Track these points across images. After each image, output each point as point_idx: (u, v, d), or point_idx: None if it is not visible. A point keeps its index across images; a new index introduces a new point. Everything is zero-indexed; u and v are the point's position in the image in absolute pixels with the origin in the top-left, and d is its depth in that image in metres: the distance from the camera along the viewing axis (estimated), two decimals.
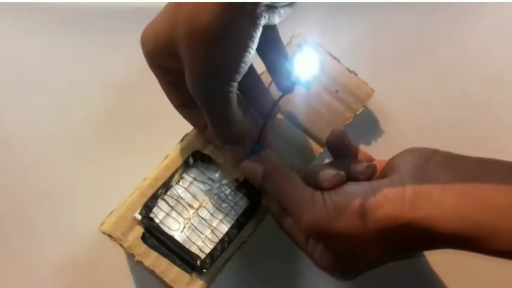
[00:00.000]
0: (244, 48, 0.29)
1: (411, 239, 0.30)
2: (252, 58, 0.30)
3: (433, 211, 0.28)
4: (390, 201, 0.29)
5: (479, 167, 0.30)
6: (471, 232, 0.28)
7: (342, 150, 0.37)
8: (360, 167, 0.34)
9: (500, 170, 0.29)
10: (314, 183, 0.33)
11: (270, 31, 0.36)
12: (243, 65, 0.29)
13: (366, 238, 0.30)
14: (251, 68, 0.37)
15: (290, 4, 0.30)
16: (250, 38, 0.28)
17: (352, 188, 0.31)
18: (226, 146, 0.35)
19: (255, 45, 0.29)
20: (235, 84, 0.30)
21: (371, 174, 0.34)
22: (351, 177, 0.33)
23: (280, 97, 0.35)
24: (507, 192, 0.28)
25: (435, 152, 0.32)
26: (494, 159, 0.30)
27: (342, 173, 0.33)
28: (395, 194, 0.29)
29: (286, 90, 0.35)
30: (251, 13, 0.28)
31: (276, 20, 0.31)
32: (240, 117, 0.32)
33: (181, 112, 0.36)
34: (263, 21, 0.29)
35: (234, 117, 0.32)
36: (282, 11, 0.30)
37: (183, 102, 0.36)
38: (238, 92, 0.36)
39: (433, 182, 0.29)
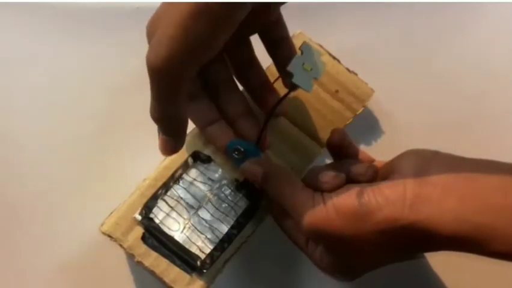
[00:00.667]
0: (214, 32, 0.26)
1: (412, 241, 0.30)
2: (217, 48, 0.28)
3: (433, 213, 0.28)
4: (391, 203, 0.29)
5: (479, 169, 0.30)
6: (471, 234, 0.28)
7: (342, 151, 0.37)
8: (360, 168, 0.34)
9: (500, 172, 0.29)
10: (314, 185, 0.33)
11: (279, 30, 0.36)
12: (207, 49, 0.27)
13: (366, 240, 0.30)
14: (258, 67, 0.38)
15: None
16: (222, 24, 0.26)
17: (352, 189, 0.31)
18: (159, 133, 0.32)
19: (225, 34, 0.27)
20: (195, 68, 0.28)
21: (372, 175, 0.34)
22: (351, 179, 0.33)
23: (284, 96, 0.35)
24: (507, 194, 0.28)
25: (435, 154, 0.32)
26: (494, 160, 0.30)
27: (343, 174, 0.33)
28: (395, 195, 0.29)
29: (289, 89, 0.34)
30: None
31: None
32: (183, 110, 0.30)
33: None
34: (241, 12, 0.27)
35: (177, 105, 0.30)
36: None
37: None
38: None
39: (433, 183, 0.29)
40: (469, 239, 0.28)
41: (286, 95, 0.34)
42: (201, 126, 0.37)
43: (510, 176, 0.28)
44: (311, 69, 0.33)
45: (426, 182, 0.29)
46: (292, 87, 0.34)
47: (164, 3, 0.28)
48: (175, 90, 0.28)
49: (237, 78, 0.38)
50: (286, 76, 0.34)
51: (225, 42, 0.28)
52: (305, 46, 0.33)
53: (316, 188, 0.33)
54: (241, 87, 0.38)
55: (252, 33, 0.36)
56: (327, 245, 0.32)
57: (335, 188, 0.32)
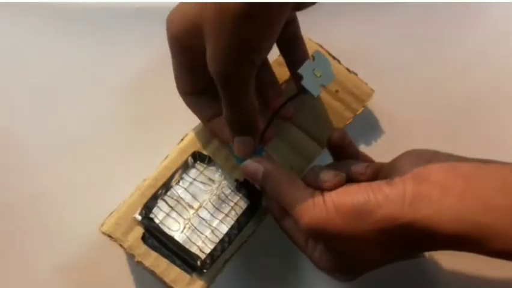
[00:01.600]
0: (270, 30, 0.29)
1: (411, 240, 0.30)
2: (273, 42, 0.31)
3: (433, 212, 0.28)
4: (390, 201, 0.29)
5: (478, 169, 0.30)
6: (470, 233, 0.28)
7: (342, 151, 0.37)
8: (360, 167, 0.34)
9: (500, 171, 0.29)
10: (314, 184, 0.33)
11: (295, 28, 0.36)
12: (266, 47, 0.30)
13: (365, 239, 0.30)
14: (267, 65, 0.38)
15: None
16: (276, 20, 0.29)
17: (352, 188, 0.31)
18: (236, 138, 0.34)
19: (278, 29, 0.29)
20: (255, 66, 0.30)
21: (371, 174, 0.34)
22: (351, 178, 0.33)
23: (293, 96, 0.35)
24: (506, 193, 0.28)
25: (435, 154, 0.32)
26: (494, 160, 0.30)
27: (343, 174, 0.33)
28: (394, 194, 0.29)
29: (299, 90, 0.35)
30: None
31: (304, 6, 0.31)
32: (256, 105, 0.32)
33: (187, 100, 0.36)
34: (290, 6, 0.29)
35: (250, 103, 0.32)
36: None
37: (193, 90, 0.36)
38: None
39: (433, 183, 0.29)
40: (468, 238, 0.28)
41: (293, 97, 0.34)
42: (206, 120, 0.37)
43: (510, 176, 0.29)
44: (320, 76, 0.34)
45: (425, 181, 0.29)
46: (300, 89, 0.34)
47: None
48: (245, 90, 0.31)
49: None
50: (296, 78, 0.34)
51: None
52: (317, 53, 0.34)
53: (316, 187, 0.33)
54: None
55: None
56: (327, 244, 0.32)
57: (335, 187, 0.32)
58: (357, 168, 0.34)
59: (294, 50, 0.37)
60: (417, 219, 0.29)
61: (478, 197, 0.28)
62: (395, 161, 0.33)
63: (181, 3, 0.33)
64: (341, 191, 0.31)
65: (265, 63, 0.38)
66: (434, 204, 0.29)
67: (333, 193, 0.31)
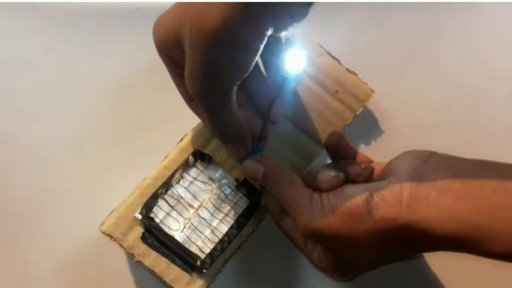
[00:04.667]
0: (243, 56, 0.28)
1: (409, 241, 0.30)
2: (249, 67, 0.29)
3: (430, 213, 0.28)
4: (388, 202, 0.29)
5: (476, 169, 0.30)
6: (468, 234, 0.28)
7: (340, 152, 0.37)
8: (357, 169, 0.34)
9: (498, 172, 0.29)
10: (313, 185, 0.33)
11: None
12: (242, 71, 0.29)
13: (363, 239, 0.30)
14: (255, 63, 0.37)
15: (301, 16, 0.29)
16: (251, 47, 0.28)
17: (350, 189, 0.31)
18: (227, 144, 0.35)
19: (254, 55, 0.28)
20: (235, 87, 0.30)
21: (369, 176, 0.34)
22: (349, 179, 0.33)
23: (277, 94, 0.35)
24: (504, 194, 0.28)
25: (432, 154, 0.32)
26: (492, 161, 0.30)
27: (341, 174, 0.33)
28: (392, 195, 0.29)
29: (278, 86, 0.35)
30: (255, 22, 0.27)
31: (283, 31, 0.30)
32: (239, 117, 0.32)
33: (191, 106, 0.36)
34: (269, 32, 0.28)
35: (231, 118, 0.31)
36: (291, 23, 0.29)
37: (190, 97, 0.35)
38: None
39: (430, 184, 0.29)
40: (465, 239, 0.28)
41: (277, 95, 0.35)
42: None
43: (508, 177, 0.28)
44: (296, 62, 0.34)
45: (423, 183, 0.29)
46: (283, 82, 0.34)
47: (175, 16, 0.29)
48: (224, 107, 0.30)
49: None
50: (276, 72, 0.35)
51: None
52: (288, 40, 0.34)
53: (314, 187, 0.33)
54: None
55: None
56: (325, 246, 0.32)
57: (333, 188, 0.32)
58: (354, 169, 0.34)
59: (267, 50, 0.35)
60: (415, 220, 0.29)
61: (475, 198, 0.28)
62: (392, 162, 0.33)
63: (165, 13, 0.32)
64: (339, 192, 0.31)
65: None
66: (431, 206, 0.29)
67: (331, 194, 0.31)
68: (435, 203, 0.29)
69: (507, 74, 0.46)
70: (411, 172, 0.30)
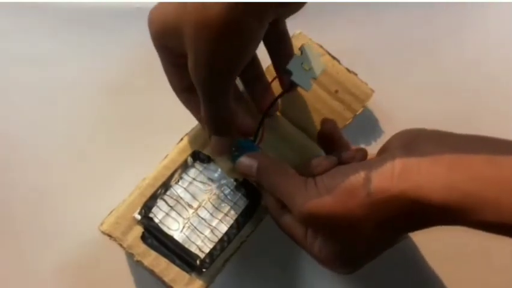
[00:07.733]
0: (248, 44, 0.30)
1: (402, 212, 0.29)
2: (252, 54, 0.31)
3: (422, 181, 0.29)
4: (380, 174, 0.30)
5: (468, 141, 0.30)
6: (460, 202, 0.28)
7: (333, 144, 0.37)
8: (350, 152, 0.35)
9: (489, 144, 0.29)
10: (307, 173, 0.33)
11: (279, 24, 0.36)
12: (243, 60, 0.30)
13: (359, 216, 0.30)
14: (255, 60, 0.38)
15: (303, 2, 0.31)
16: (255, 35, 0.29)
17: (342, 168, 0.32)
18: (213, 136, 0.35)
19: (258, 42, 0.30)
20: (234, 76, 0.32)
21: (362, 158, 0.34)
22: (342, 163, 0.34)
23: (280, 95, 0.35)
24: (496, 164, 0.28)
25: (422, 130, 0.32)
26: (483, 135, 0.31)
27: (334, 157, 0.34)
28: (384, 168, 0.30)
29: (287, 87, 0.35)
30: (259, 12, 0.28)
31: (285, 15, 0.32)
32: (232, 109, 0.34)
33: (182, 98, 0.37)
34: (270, 19, 0.30)
35: (226, 108, 0.33)
36: (294, 10, 0.31)
37: (184, 86, 0.36)
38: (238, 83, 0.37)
39: (422, 155, 0.29)
40: (458, 207, 0.28)
41: (283, 93, 0.35)
42: (199, 117, 0.37)
43: (499, 150, 0.29)
44: (310, 69, 0.34)
45: (414, 153, 0.30)
46: (291, 85, 0.34)
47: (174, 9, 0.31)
48: (222, 96, 0.32)
49: None
50: (285, 74, 0.35)
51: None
52: (305, 47, 0.34)
53: (309, 175, 0.33)
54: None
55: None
56: (325, 232, 0.32)
57: (326, 170, 0.33)
58: (348, 153, 0.35)
59: (281, 47, 0.37)
60: (408, 188, 0.29)
61: (467, 168, 0.28)
62: (384, 144, 0.34)
63: (161, 3, 0.33)
64: (332, 172, 0.32)
65: (253, 58, 0.38)
66: (423, 174, 0.29)
67: (324, 176, 0.32)
68: (428, 172, 0.29)
69: (507, 75, 0.46)
70: (403, 146, 0.31)
